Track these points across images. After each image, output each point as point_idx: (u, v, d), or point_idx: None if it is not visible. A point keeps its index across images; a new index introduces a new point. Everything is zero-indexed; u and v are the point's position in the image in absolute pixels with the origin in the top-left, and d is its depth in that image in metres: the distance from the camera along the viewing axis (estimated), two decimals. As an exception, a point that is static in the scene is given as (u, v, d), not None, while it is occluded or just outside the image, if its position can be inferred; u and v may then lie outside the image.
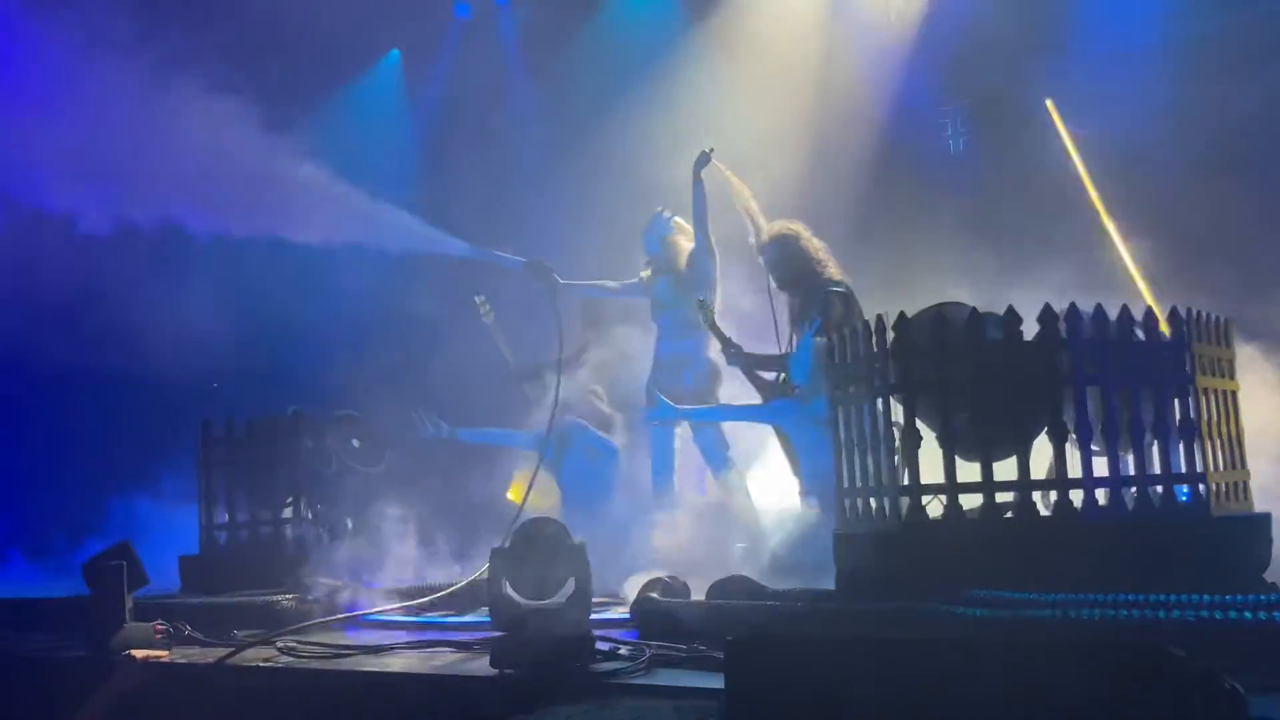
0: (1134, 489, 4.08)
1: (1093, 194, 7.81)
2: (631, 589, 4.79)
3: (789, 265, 6.23)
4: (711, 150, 6.63)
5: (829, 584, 4.41)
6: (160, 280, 8.90)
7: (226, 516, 6.96)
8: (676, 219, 6.85)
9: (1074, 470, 4.07)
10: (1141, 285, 7.29)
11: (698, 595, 4.57)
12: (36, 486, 8.75)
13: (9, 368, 8.86)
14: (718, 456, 6.62)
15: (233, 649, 4.50)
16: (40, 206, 5.69)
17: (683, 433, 6.82)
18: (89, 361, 8.92)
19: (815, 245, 6.30)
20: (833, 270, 6.23)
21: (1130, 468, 4.12)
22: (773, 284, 6.36)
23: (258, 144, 5.92)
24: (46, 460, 8.86)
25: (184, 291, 8.95)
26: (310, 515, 6.99)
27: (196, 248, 8.69)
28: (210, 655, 4.49)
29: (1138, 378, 4.12)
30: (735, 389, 6.65)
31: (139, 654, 4.52)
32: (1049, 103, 7.85)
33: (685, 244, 6.78)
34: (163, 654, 4.57)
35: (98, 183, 5.67)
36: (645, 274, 6.92)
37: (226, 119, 5.83)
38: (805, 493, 5.84)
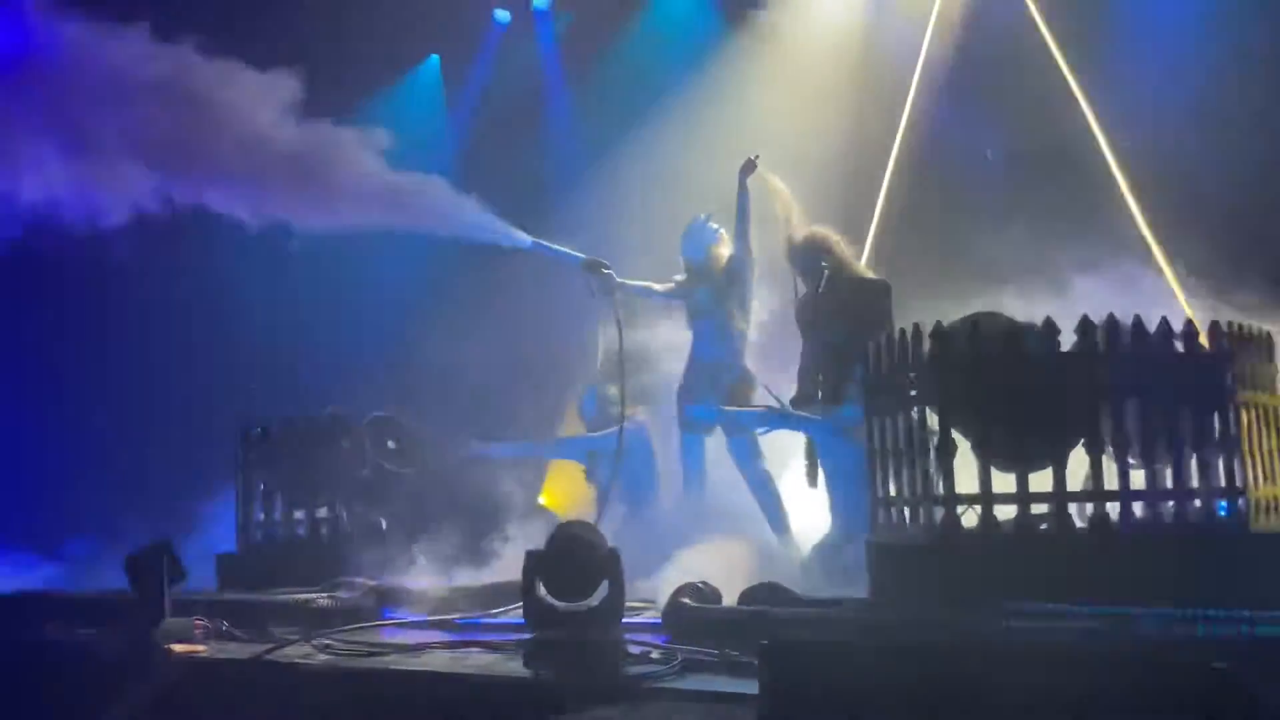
0: (1172, 503, 4.06)
1: (1132, 203, 7.76)
2: (664, 593, 4.80)
3: (828, 267, 6.26)
4: (757, 157, 6.64)
5: (861, 593, 4.41)
6: (201, 282, 9.04)
7: (263, 515, 7.05)
8: (721, 230, 6.86)
9: (1110, 483, 4.05)
10: (1180, 296, 7.22)
11: (729, 601, 4.58)
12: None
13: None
14: (751, 464, 6.61)
15: (271, 645, 4.55)
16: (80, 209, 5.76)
17: (714, 441, 6.82)
18: (129, 361, 9.08)
19: (847, 249, 6.34)
20: (867, 273, 6.27)
21: (1168, 481, 4.10)
22: (800, 287, 6.38)
23: (324, 132, 5.96)
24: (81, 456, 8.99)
25: (223, 292, 9.08)
26: (345, 515, 7.06)
27: (236, 249, 8.83)
28: (247, 651, 4.54)
29: (1177, 391, 4.09)
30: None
31: (178, 649, 4.58)
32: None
33: (726, 252, 6.80)
34: (201, 649, 4.63)
35: (154, 178, 5.72)
36: (680, 278, 6.92)
37: (282, 109, 5.85)
38: (834, 503, 5.85)
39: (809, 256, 6.28)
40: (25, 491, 8.66)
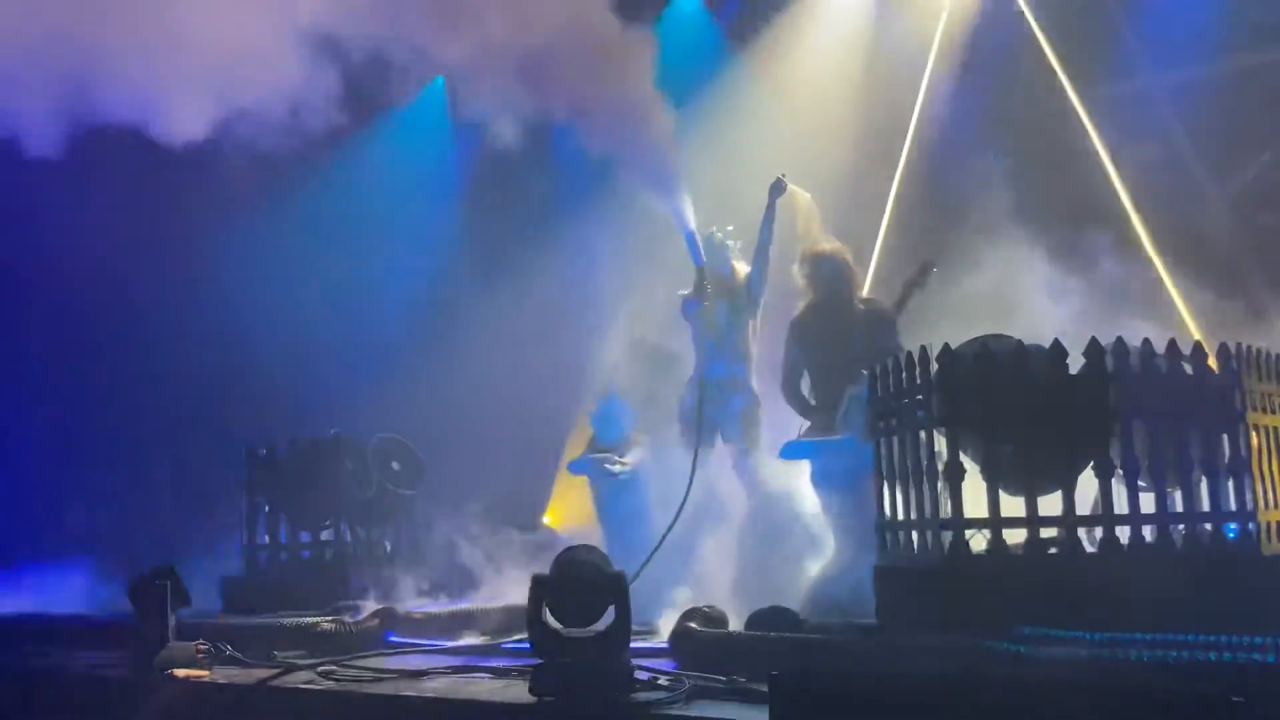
0: (1181, 526, 4.03)
1: (1137, 223, 7.76)
2: (670, 618, 4.77)
3: (841, 283, 6.29)
4: (785, 176, 6.64)
5: (869, 616, 4.38)
6: (208, 302, 9.05)
7: (268, 538, 7.02)
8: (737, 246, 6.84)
9: (1120, 506, 4.02)
10: (1188, 317, 7.20)
11: (735, 625, 4.55)
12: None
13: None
14: (759, 487, 6.53)
15: (276, 670, 4.53)
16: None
17: (722, 448, 6.76)
18: (136, 382, 9.08)
19: (856, 269, 6.42)
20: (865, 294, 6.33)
21: (1178, 504, 4.07)
22: (817, 298, 6.39)
23: None
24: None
25: (231, 313, 9.09)
26: (349, 537, 7.03)
27: (244, 268, 8.84)
28: (250, 675, 4.52)
29: (1186, 413, 4.07)
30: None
31: (181, 673, 4.55)
32: None
33: (742, 268, 6.77)
34: (204, 673, 4.60)
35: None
36: (686, 292, 6.87)
37: None
38: (838, 527, 5.82)
39: (821, 269, 6.30)
40: (30, 514, 8.66)
